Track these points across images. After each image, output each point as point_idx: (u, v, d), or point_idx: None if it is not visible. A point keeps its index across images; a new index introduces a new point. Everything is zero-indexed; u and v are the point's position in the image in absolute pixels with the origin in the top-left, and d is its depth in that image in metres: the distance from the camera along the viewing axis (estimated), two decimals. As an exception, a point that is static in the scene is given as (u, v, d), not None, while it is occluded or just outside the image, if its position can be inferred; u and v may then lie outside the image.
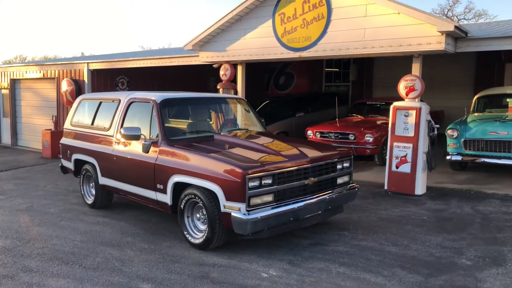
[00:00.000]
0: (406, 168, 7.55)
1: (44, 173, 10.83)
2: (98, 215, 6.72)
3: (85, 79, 13.39)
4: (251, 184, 4.58)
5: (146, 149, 5.71)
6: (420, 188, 7.51)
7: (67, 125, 7.77)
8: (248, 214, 4.58)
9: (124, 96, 6.56)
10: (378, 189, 7.97)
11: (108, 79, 13.78)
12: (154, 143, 5.65)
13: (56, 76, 14.33)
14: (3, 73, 16.36)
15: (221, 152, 5.20)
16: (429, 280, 4.18)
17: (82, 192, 7.35)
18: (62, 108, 14.04)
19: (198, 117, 6.48)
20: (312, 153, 5.34)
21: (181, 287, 4.14)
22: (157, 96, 5.99)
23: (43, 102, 15.09)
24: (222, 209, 4.73)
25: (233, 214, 4.61)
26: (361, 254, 4.89)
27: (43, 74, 14.76)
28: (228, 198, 4.66)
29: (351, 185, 5.81)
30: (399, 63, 11.30)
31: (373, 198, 7.39)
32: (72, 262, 4.80)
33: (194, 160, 5.09)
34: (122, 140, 6.15)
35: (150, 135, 5.79)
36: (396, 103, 7.68)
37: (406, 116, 7.54)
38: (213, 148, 5.35)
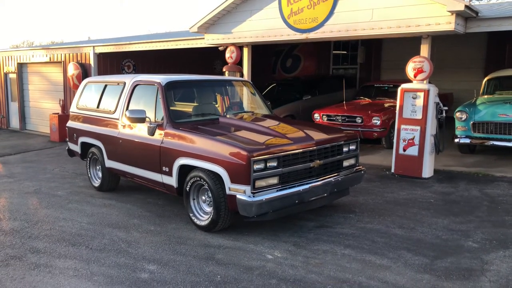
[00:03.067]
0: (413, 151, 7.48)
1: (52, 156, 10.91)
2: (105, 197, 6.77)
3: (91, 62, 13.37)
4: (256, 166, 4.56)
5: (151, 132, 5.70)
6: (427, 171, 7.45)
7: (73, 108, 7.78)
8: (253, 196, 4.57)
9: (129, 79, 6.53)
10: (385, 172, 7.92)
11: (114, 62, 13.75)
12: (160, 126, 5.64)
13: (62, 60, 14.33)
14: (10, 57, 16.38)
15: (226, 135, 5.18)
16: (435, 262, 4.17)
17: (89, 175, 7.39)
18: (69, 92, 14.07)
19: (203, 100, 6.44)
20: (318, 135, 5.30)
21: (186, 268, 4.16)
22: (162, 78, 5.96)
23: (50, 86, 15.13)
24: (227, 192, 4.72)
25: (238, 196, 4.61)
26: (366, 236, 4.88)
27: (50, 58, 14.76)
28: (233, 181, 4.65)
29: (357, 167, 5.78)
30: (407, 45, 11.11)
31: (379, 181, 7.35)
32: (79, 243, 4.85)
33: (199, 142, 5.07)
34: (128, 123, 6.14)
35: (155, 118, 5.78)
36: (404, 85, 7.58)
37: (414, 98, 7.45)
38: (218, 131, 5.32)
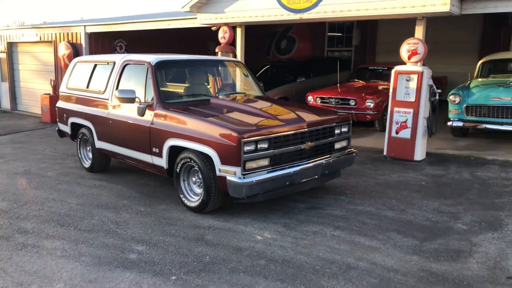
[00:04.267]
0: (406, 133, 7.46)
1: (43, 137, 10.80)
2: (96, 178, 6.72)
3: (83, 42, 13.15)
4: (246, 148, 4.52)
5: (141, 113, 5.63)
6: (419, 153, 7.44)
7: (62, 88, 7.66)
8: (244, 178, 4.54)
9: (119, 58, 6.42)
10: (377, 154, 7.91)
11: (106, 42, 13.53)
12: (149, 107, 5.56)
13: (53, 39, 14.07)
14: (-1, 37, 16.09)
15: (217, 116, 5.11)
16: (424, 244, 4.18)
17: (80, 156, 7.33)
18: (60, 72, 13.85)
19: (194, 80, 6.35)
20: (309, 117, 5.25)
21: (175, 248, 4.14)
22: (152, 58, 5.85)
23: (41, 66, 14.89)
24: (218, 173, 4.69)
25: (228, 178, 4.57)
26: (356, 218, 4.88)
27: (40, 37, 14.49)
28: (223, 162, 4.61)
29: (349, 150, 5.75)
30: (403, 27, 10.98)
31: (371, 163, 7.35)
32: (67, 224, 4.81)
33: (190, 123, 5.01)
34: (117, 103, 6.05)
35: (145, 98, 5.70)
36: (398, 67, 7.52)
37: (407, 80, 7.39)
38: (209, 112, 5.26)
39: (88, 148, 7.16)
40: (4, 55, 16.14)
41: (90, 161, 7.08)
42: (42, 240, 4.36)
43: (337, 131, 5.50)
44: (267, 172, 4.73)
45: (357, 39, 15.32)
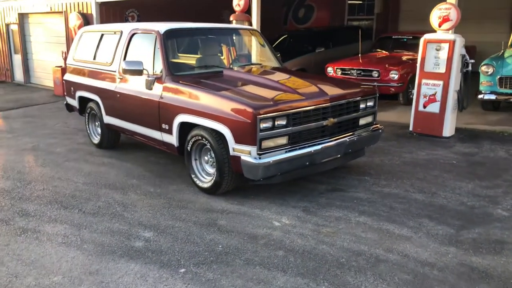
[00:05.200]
0: (434, 107, 6.92)
1: (54, 111, 10.53)
2: (105, 155, 6.40)
3: (93, 12, 12.69)
4: (262, 125, 4.10)
5: (149, 86, 5.22)
6: (448, 129, 6.91)
7: (69, 60, 7.28)
8: (259, 158, 4.13)
9: (127, 28, 5.98)
10: (402, 130, 7.41)
11: (117, 12, 13.04)
12: (158, 79, 5.15)
13: (63, 10, 13.64)
14: (10, 8, 15.71)
15: (231, 90, 4.67)
16: (461, 233, 3.75)
17: (88, 132, 7.00)
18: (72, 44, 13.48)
19: (207, 50, 5.89)
20: (332, 90, 4.77)
21: (185, 235, 3.80)
22: (160, 26, 5.40)
23: (53, 37, 14.52)
24: (231, 153, 4.29)
25: (243, 157, 4.17)
26: (383, 202, 4.46)
27: (51, 7, 14.07)
28: (237, 141, 4.20)
29: (374, 126, 5.28)
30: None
31: (396, 140, 6.86)
32: (71, 206, 4.51)
33: (201, 98, 4.59)
34: (125, 76, 5.64)
35: (153, 71, 5.27)
36: (427, 36, 6.91)
37: (437, 50, 6.80)
38: (221, 85, 4.82)
39: (96, 124, 6.82)
40: (16, 27, 15.81)
41: (99, 137, 6.75)
42: (43, 225, 4.07)
43: (362, 106, 5.02)
44: (285, 152, 4.31)
45: (379, 7, 14.54)
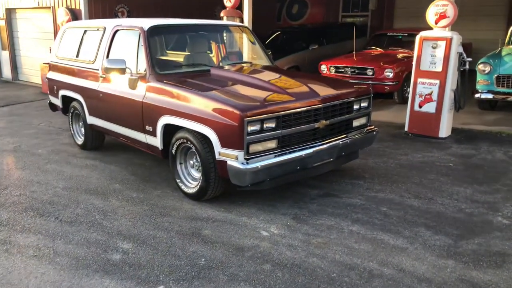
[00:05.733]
0: (430, 107, 6.71)
1: (41, 109, 10.22)
2: (88, 157, 6.13)
3: (81, 8, 12.35)
4: (250, 128, 3.85)
5: (132, 85, 4.96)
6: (445, 130, 6.70)
7: (52, 57, 7.01)
8: (247, 163, 3.89)
9: (110, 24, 5.71)
10: (397, 130, 7.19)
11: (106, 8, 12.71)
12: (142, 78, 4.89)
13: (51, 5, 13.30)
14: (-3, 3, 15.34)
15: (217, 90, 4.42)
16: (459, 244, 3.53)
17: (72, 132, 6.73)
18: (59, 40, 13.13)
19: (194, 48, 5.63)
20: (324, 91, 4.54)
21: (166, 247, 3.56)
22: (145, 22, 5.14)
23: (41, 33, 14.18)
24: (217, 157, 4.04)
25: (229, 162, 3.93)
26: (378, 208, 4.24)
27: (38, 3, 13.72)
28: (223, 145, 3.96)
29: (368, 128, 5.05)
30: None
31: (391, 141, 6.64)
32: (48, 213, 4.24)
33: (185, 98, 4.34)
34: (108, 74, 5.37)
35: (137, 69, 5.01)
36: (423, 33, 6.68)
37: (434, 48, 6.58)
38: (208, 84, 4.57)
39: (80, 124, 6.54)
40: (3, 23, 15.44)
41: (83, 138, 6.48)
42: (15, 235, 3.80)
43: (355, 107, 4.79)
44: (275, 156, 4.07)
45: (374, 3, 14.27)
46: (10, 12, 15.14)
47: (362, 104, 4.89)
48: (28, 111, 10.02)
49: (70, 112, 6.61)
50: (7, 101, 11.53)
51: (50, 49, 12.80)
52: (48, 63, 12.51)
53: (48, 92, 7.23)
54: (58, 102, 6.84)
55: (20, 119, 9.06)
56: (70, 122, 6.69)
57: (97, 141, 6.42)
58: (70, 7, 12.67)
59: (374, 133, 5.08)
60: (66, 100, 6.60)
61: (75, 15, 12.49)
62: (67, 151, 6.46)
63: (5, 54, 15.81)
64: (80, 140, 6.56)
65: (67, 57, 6.49)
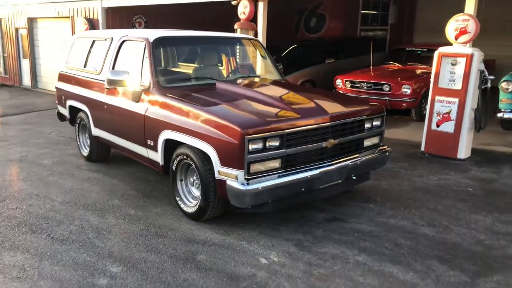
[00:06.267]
0: (448, 127, 6.38)
1: (54, 118, 10.05)
2: (92, 169, 5.99)
3: (99, 18, 12.42)
4: (252, 146, 3.63)
5: (136, 98, 4.81)
6: (463, 151, 6.36)
7: (62, 67, 6.94)
8: (247, 183, 3.65)
9: (117, 34, 5.59)
10: (413, 149, 6.87)
11: (124, 18, 12.76)
12: (146, 91, 4.73)
13: (71, 14, 13.43)
14: (20, 12, 15.59)
15: (220, 105, 4.20)
16: (476, 282, 3.21)
17: (78, 143, 6.62)
18: (76, 50, 13.20)
19: (200, 61, 5.45)
20: (333, 108, 4.29)
21: (157, 272, 3.33)
22: (151, 34, 5.00)
23: (61, 42, 14.32)
24: (217, 176, 3.82)
25: (228, 182, 3.70)
26: (388, 236, 3.94)
27: (58, 12, 13.88)
28: (223, 163, 3.74)
29: (381, 148, 4.77)
30: (447, 4, 9.71)
31: (407, 160, 6.32)
32: (40, 230, 4.07)
33: (185, 113, 4.14)
34: (112, 86, 5.22)
35: (141, 82, 4.85)
36: (442, 49, 6.39)
37: (453, 64, 6.27)
38: (210, 99, 4.37)
39: (86, 135, 6.42)
40: (25, 31, 15.69)
41: (88, 149, 6.35)
42: (2, 253, 3.63)
43: (367, 125, 4.53)
44: (278, 176, 3.83)
45: (394, 17, 14.01)
46: (31, 22, 15.36)
47: (375, 123, 4.62)
48: (41, 120, 10.02)
49: (77, 123, 6.51)
50: (23, 109, 11.59)
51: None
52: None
53: (56, 101, 7.16)
54: (65, 112, 6.75)
55: (32, 127, 9.05)
56: (77, 133, 6.59)
57: (102, 153, 6.28)
58: (88, 17, 12.75)
59: (387, 153, 4.79)
60: (73, 110, 6.50)
61: (93, 25, 12.56)
62: (72, 163, 6.33)
63: (26, 62, 16.03)
64: (85, 152, 6.44)
65: (75, 67, 6.41)
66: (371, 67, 9.68)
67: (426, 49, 9.94)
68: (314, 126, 3.99)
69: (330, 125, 4.08)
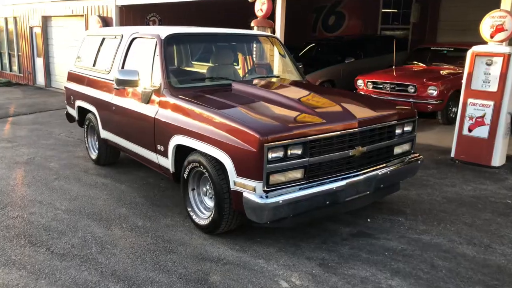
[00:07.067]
0: (482, 132, 5.91)
1: (65, 118, 9.91)
2: (100, 174, 5.68)
3: (113, 16, 12.17)
4: (271, 155, 3.25)
5: (145, 99, 4.46)
6: (498, 158, 5.88)
7: (71, 66, 6.65)
8: (266, 196, 3.27)
9: (127, 32, 5.26)
10: (442, 155, 6.41)
11: (138, 16, 12.49)
12: (156, 92, 4.38)
13: (84, 13, 13.23)
14: (34, 10, 15.46)
15: (236, 108, 3.83)
16: (531, 316, 2.79)
17: (87, 145, 6.31)
18: (90, 48, 12.98)
19: (215, 60, 5.09)
20: (361, 112, 3.88)
21: (165, 296, 2.97)
22: (162, 30, 4.64)
23: (74, 41, 14.11)
24: (232, 187, 3.45)
25: (245, 194, 3.33)
26: (422, 256, 3.52)
27: (72, 10, 13.70)
28: (239, 173, 3.36)
29: (412, 155, 4.34)
30: (472, 2, 9.20)
31: (436, 168, 5.87)
32: (40, 242, 3.75)
33: (198, 116, 3.78)
34: (121, 86, 4.88)
35: (152, 82, 4.51)
36: (476, 48, 5.92)
37: (488, 65, 5.80)
38: (225, 101, 3.99)
39: (95, 137, 6.12)
40: (39, 30, 15.56)
41: (97, 152, 6.04)
42: (-4, 269, 3.32)
43: (398, 131, 4.11)
44: (300, 188, 3.43)
45: (416, 16, 13.44)
46: (46, 20, 15.22)
47: (406, 128, 4.20)
48: (52, 120, 9.79)
49: (85, 125, 6.20)
50: (35, 108, 11.41)
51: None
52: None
53: (65, 102, 6.88)
54: (74, 113, 6.46)
55: (42, 128, 8.81)
56: (85, 135, 6.28)
57: (111, 157, 5.97)
58: (102, 15, 12.51)
59: (419, 162, 4.36)
60: (82, 111, 6.20)
61: (106, 23, 12.31)
62: (79, 166, 6.03)
63: (40, 61, 15.91)
64: (94, 155, 6.14)
65: (85, 66, 6.11)
66: (393, 67, 9.22)
67: (452, 49, 9.43)
68: (341, 132, 3.59)
69: (358, 131, 3.68)
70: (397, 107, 4.33)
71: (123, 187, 5.17)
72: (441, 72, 8.88)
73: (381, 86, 8.63)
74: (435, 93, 8.00)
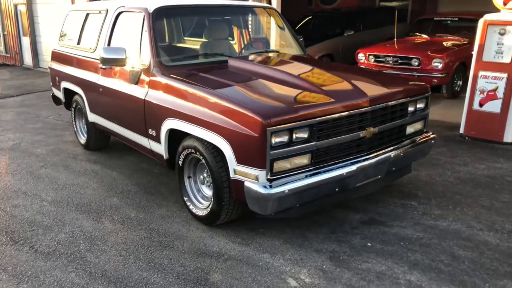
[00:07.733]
0: (494, 106, 5.57)
1: (53, 100, 9.58)
2: (90, 160, 5.33)
3: (100, -9, 11.59)
4: (275, 140, 2.91)
5: (134, 79, 4.09)
6: (511, 134, 5.57)
7: (55, 44, 6.21)
8: (270, 185, 2.95)
9: (113, 6, 4.83)
10: (450, 132, 6.09)
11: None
12: (145, 71, 4.00)
13: (71, -12, 12.62)
14: (17, -14, 14.80)
15: (233, 87, 3.46)
16: None
17: (75, 129, 5.94)
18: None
19: (210, 34, 4.68)
20: (371, 89, 3.52)
21: (161, 300, 2.68)
22: (150, 3, 4.22)
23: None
24: (232, 175, 3.12)
25: (247, 184, 3.00)
26: (441, 245, 3.23)
27: (58, -15, 13.08)
28: (240, 160, 3.03)
29: (425, 135, 4.01)
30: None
31: (445, 145, 5.56)
32: (23, 239, 3.43)
33: (192, 98, 3.42)
34: (108, 65, 4.48)
35: (140, 60, 4.12)
36: (489, 16, 5.53)
37: (501, 34, 5.42)
38: (222, 79, 3.62)
39: (83, 121, 5.74)
40: (23, 8, 14.91)
41: (85, 137, 5.68)
42: (-27, 273, 3.01)
43: (410, 109, 3.77)
44: (307, 176, 3.11)
45: (416, -15, 12.94)
46: (30, -4, 14.58)
47: (418, 105, 3.86)
48: (39, 102, 9.37)
49: (72, 107, 5.82)
50: (22, 90, 10.95)
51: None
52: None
53: (50, 83, 6.47)
54: (60, 95, 6.06)
55: (30, 110, 8.41)
56: (73, 118, 5.91)
57: (101, 141, 5.61)
58: (88, -10, 11.93)
59: (432, 141, 4.04)
60: (68, 93, 5.81)
61: (94, -1, 11.75)
62: (68, 151, 5.68)
63: (26, 40, 15.31)
64: (83, 139, 5.77)
65: (69, 45, 5.69)
66: (395, 39, 8.81)
67: (456, 18, 9.00)
68: (351, 112, 3.24)
69: (369, 110, 3.33)
70: (409, 82, 3.97)
71: (114, 174, 4.84)
72: (445, 43, 8.48)
73: (384, 60, 8.23)
74: (440, 66, 7.63)
